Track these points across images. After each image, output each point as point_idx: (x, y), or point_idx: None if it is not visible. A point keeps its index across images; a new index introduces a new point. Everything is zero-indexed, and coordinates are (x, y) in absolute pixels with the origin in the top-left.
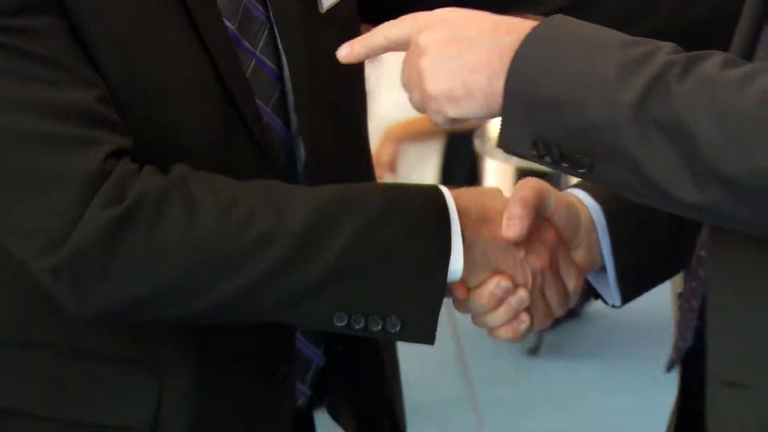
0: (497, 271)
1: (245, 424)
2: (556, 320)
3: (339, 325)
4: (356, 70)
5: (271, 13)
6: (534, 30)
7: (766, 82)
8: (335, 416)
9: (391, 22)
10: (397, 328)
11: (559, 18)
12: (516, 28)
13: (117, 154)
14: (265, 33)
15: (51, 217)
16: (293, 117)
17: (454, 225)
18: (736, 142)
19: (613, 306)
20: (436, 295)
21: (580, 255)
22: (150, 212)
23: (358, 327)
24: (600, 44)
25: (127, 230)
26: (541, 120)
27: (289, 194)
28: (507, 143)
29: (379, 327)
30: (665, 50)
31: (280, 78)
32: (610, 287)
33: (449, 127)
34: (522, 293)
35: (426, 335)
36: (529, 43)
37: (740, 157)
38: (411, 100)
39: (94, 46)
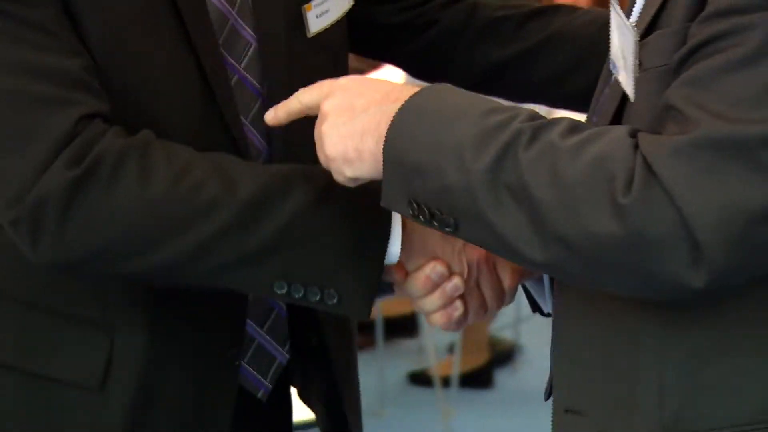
0: (435, 258)
1: (191, 395)
2: None
3: (279, 293)
4: None
5: (257, 34)
6: (411, 98)
7: (597, 148)
8: (305, 400)
9: (305, 88)
10: (334, 301)
11: (437, 87)
12: (403, 95)
13: (90, 116)
14: (251, 51)
15: (21, 170)
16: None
17: (395, 214)
18: (568, 207)
19: (547, 315)
20: (373, 272)
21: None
22: (107, 172)
23: (297, 296)
24: (463, 113)
25: (84, 186)
26: (412, 183)
27: (242, 167)
28: (388, 202)
29: (318, 298)
30: (520, 118)
31: (261, 94)
32: (545, 296)
33: (352, 185)
34: (456, 280)
35: (361, 310)
36: (403, 111)
37: (572, 220)
38: (320, 160)
39: (85, 24)
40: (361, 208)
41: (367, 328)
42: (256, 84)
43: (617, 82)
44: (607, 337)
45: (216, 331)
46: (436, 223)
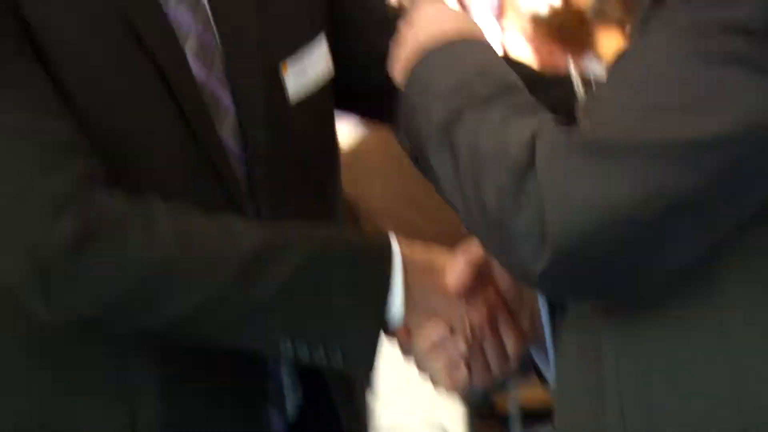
0: (436, 316)
1: None
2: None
3: (286, 352)
4: (326, 148)
5: (236, 99)
6: (446, 44)
7: (511, 131)
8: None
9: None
10: (338, 359)
11: (474, 42)
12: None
13: (87, 177)
14: (230, 116)
15: (24, 233)
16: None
17: (396, 268)
18: (474, 173)
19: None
20: (374, 330)
21: (524, 323)
22: (111, 231)
23: (303, 356)
24: (464, 66)
25: (89, 246)
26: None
27: (244, 224)
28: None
29: (323, 357)
30: (490, 83)
31: (243, 158)
32: (549, 363)
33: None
34: (460, 342)
35: (366, 368)
36: (423, 59)
37: (475, 188)
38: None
39: (66, 82)
40: (361, 266)
41: (504, 419)
42: (237, 150)
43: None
44: (587, 355)
45: (241, 386)
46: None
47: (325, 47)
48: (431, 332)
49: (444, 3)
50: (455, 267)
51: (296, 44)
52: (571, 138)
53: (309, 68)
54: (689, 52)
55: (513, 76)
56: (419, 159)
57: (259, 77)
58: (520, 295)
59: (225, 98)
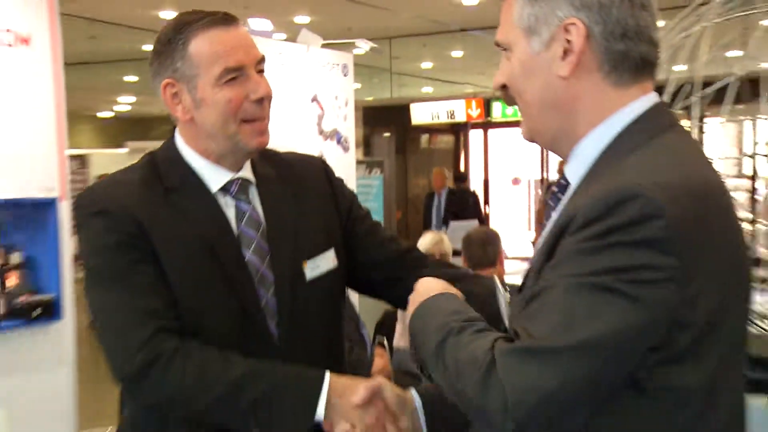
0: (347, 420)
1: None
2: None
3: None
4: (331, 310)
5: (276, 279)
6: (428, 299)
7: (476, 346)
8: None
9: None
10: None
11: (442, 296)
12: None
13: (162, 330)
14: (271, 291)
15: (124, 353)
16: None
17: (323, 392)
18: (458, 377)
19: None
20: (305, 426)
21: (405, 421)
22: (167, 359)
23: None
24: (440, 312)
25: (154, 366)
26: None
27: (244, 363)
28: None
29: None
30: (459, 320)
31: (275, 318)
32: None
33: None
34: None
35: None
36: (421, 306)
37: (458, 385)
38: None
39: (169, 275)
40: (302, 394)
41: None
42: (274, 312)
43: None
44: None
45: None
46: (423, 372)
47: (332, 252)
48: (342, 428)
49: (435, 280)
50: (360, 391)
51: (313, 252)
52: (515, 346)
53: (321, 264)
54: (573, 285)
55: (473, 313)
56: (423, 369)
57: (289, 269)
58: (402, 407)
59: (271, 278)
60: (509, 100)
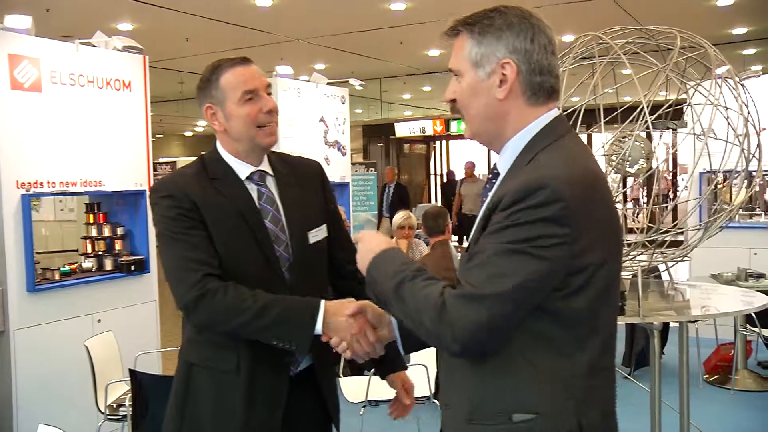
0: (337, 333)
1: (269, 376)
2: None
3: (275, 344)
4: (322, 265)
5: (290, 239)
6: (380, 252)
7: (429, 291)
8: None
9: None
10: (294, 347)
11: (389, 251)
12: (380, 248)
13: (207, 275)
14: (285, 245)
15: (183, 290)
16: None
17: (320, 312)
18: (415, 311)
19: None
20: (308, 337)
21: (384, 331)
22: (211, 295)
23: (281, 345)
24: (392, 261)
25: (203, 299)
26: (373, 287)
27: (265, 296)
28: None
29: (288, 346)
30: (411, 270)
31: (288, 264)
32: (398, 346)
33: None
34: (344, 342)
35: (303, 351)
36: (376, 257)
37: (417, 317)
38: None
39: (212, 236)
40: (305, 313)
41: None
42: (288, 256)
43: None
44: (453, 364)
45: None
46: (382, 306)
47: (324, 226)
48: (336, 336)
49: (374, 233)
50: (350, 306)
51: (313, 225)
52: (459, 292)
53: (318, 234)
54: (499, 249)
55: (416, 265)
56: (384, 306)
57: (299, 234)
58: (380, 321)
59: (283, 238)
60: (456, 111)
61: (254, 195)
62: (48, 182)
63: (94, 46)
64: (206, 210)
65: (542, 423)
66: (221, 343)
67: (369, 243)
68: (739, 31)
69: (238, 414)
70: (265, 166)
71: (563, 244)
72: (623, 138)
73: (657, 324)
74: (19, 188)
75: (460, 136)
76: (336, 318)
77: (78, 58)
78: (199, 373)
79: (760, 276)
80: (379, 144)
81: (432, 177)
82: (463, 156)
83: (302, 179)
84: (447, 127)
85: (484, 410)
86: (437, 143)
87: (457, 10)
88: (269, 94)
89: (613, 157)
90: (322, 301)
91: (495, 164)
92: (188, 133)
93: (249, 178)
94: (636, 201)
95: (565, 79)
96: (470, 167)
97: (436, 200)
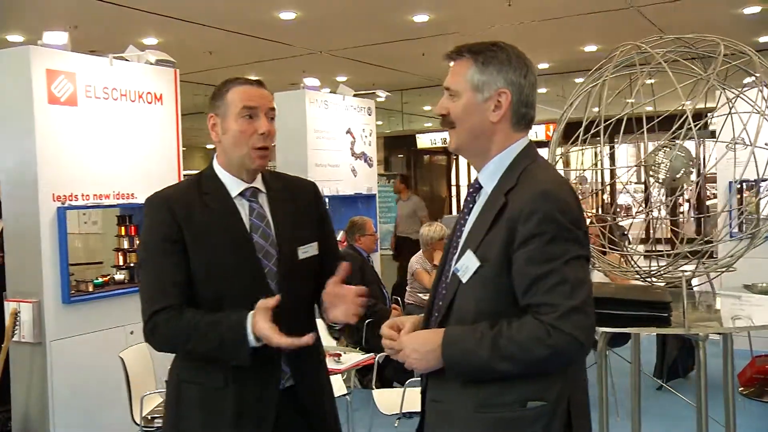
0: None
1: (257, 391)
2: None
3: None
4: (310, 280)
5: (278, 254)
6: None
7: (530, 326)
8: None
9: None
10: (240, 363)
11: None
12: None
13: (161, 309)
14: (274, 260)
15: (143, 320)
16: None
17: (248, 326)
18: (524, 351)
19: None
20: (246, 352)
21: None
22: (157, 327)
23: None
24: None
25: (153, 332)
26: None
27: (211, 317)
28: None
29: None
30: (490, 328)
31: (276, 279)
32: None
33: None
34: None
35: (246, 363)
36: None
37: (528, 355)
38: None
39: (195, 259)
40: (237, 334)
41: None
42: (276, 270)
43: (452, 282)
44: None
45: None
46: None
47: (315, 244)
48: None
49: (411, 336)
50: (267, 302)
51: (303, 243)
52: (561, 312)
53: (308, 250)
54: (560, 264)
55: (482, 323)
56: (479, 377)
57: (288, 251)
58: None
59: (273, 252)
60: (446, 125)
61: (245, 210)
62: (82, 195)
63: (127, 60)
64: (190, 224)
65: (548, 408)
66: (208, 360)
67: (417, 341)
68: (767, 38)
69: (227, 429)
70: (258, 183)
71: (586, 244)
72: (665, 148)
73: (702, 335)
74: (55, 201)
75: None
76: (261, 324)
77: (111, 72)
78: (188, 389)
79: None
80: (399, 155)
81: (453, 188)
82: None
83: (296, 196)
84: None
85: (496, 400)
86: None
87: (479, 22)
88: (272, 119)
89: (654, 167)
90: (249, 315)
91: (476, 178)
92: (210, 146)
93: (241, 194)
94: (674, 210)
95: (606, 89)
96: (401, 184)
97: (450, 212)
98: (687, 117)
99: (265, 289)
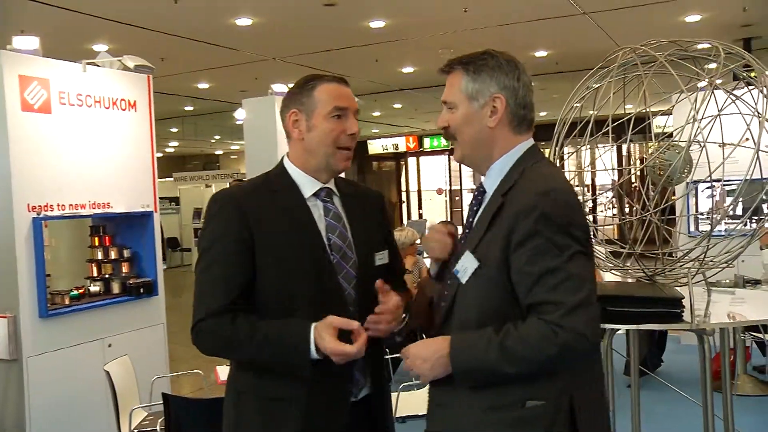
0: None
1: (324, 403)
2: None
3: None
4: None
5: (357, 257)
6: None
7: (535, 327)
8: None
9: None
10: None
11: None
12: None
13: (211, 315)
14: (353, 268)
15: (192, 322)
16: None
17: (311, 331)
18: (532, 350)
19: None
20: (307, 359)
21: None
22: (204, 335)
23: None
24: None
25: (198, 337)
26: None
27: (259, 324)
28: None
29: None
30: (496, 331)
31: (357, 278)
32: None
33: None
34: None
35: (305, 371)
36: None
37: (536, 354)
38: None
39: (266, 258)
40: (298, 344)
41: None
42: (354, 273)
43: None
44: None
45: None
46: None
47: (387, 253)
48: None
49: (415, 346)
50: (336, 322)
51: (379, 248)
52: (565, 309)
53: (383, 257)
54: (562, 261)
55: (488, 328)
56: (487, 381)
57: (365, 255)
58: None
59: (351, 255)
60: (449, 137)
61: (320, 211)
62: (58, 205)
63: (99, 65)
64: (261, 224)
65: (547, 407)
66: (266, 369)
67: (425, 350)
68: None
69: None
70: (332, 185)
71: (585, 241)
72: (666, 149)
73: (710, 330)
74: (30, 212)
75: (434, 152)
76: (328, 341)
77: (85, 79)
78: (247, 401)
79: (756, 282)
80: None
81: (404, 194)
82: (434, 172)
83: (365, 203)
84: (420, 144)
85: (498, 402)
86: (409, 159)
87: (435, 27)
88: (356, 118)
89: (653, 168)
90: (312, 327)
91: (481, 183)
92: (158, 154)
93: (315, 194)
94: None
95: (612, 91)
96: None
97: (409, 218)
98: (693, 117)
99: (340, 293)
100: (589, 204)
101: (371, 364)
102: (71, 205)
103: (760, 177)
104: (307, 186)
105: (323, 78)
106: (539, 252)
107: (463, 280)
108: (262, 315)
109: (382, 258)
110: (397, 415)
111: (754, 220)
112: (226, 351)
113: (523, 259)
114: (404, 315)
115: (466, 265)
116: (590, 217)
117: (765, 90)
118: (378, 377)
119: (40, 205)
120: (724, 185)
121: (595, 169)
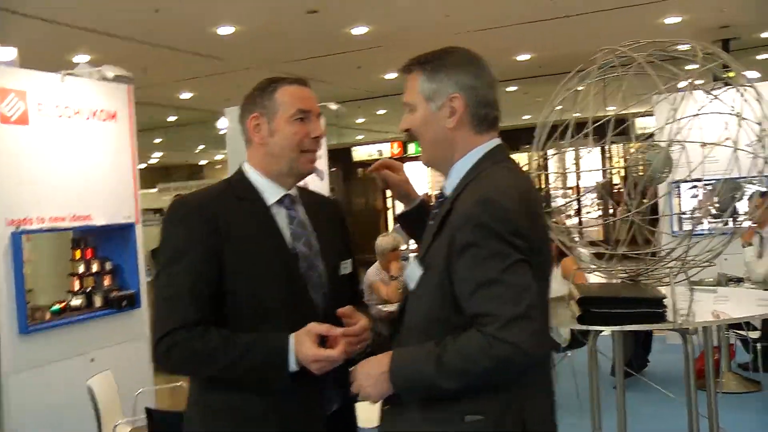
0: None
1: (302, 414)
2: None
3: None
4: (347, 292)
5: (327, 269)
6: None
7: (472, 339)
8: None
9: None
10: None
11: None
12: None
13: (181, 327)
14: (322, 278)
15: (156, 337)
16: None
17: (291, 342)
18: (468, 362)
19: None
20: (285, 373)
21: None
22: (180, 347)
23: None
24: (418, 358)
25: (173, 347)
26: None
27: (234, 338)
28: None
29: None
30: (435, 345)
31: (321, 294)
32: None
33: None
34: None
35: (284, 384)
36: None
37: (473, 366)
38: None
39: (234, 274)
40: (279, 352)
41: None
42: (322, 282)
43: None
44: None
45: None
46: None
47: (350, 262)
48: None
49: (362, 364)
50: (318, 329)
51: (343, 259)
52: (503, 323)
53: (347, 266)
54: (497, 272)
55: (428, 343)
56: (431, 393)
57: (333, 263)
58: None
59: (318, 264)
60: (412, 139)
61: (284, 220)
62: (38, 218)
63: (77, 76)
64: (230, 234)
65: (487, 422)
66: (237, 384)
67: (369, 367)
68: (683, 47)
69: None
70: (294, 192)
71: (526, 249)
72: (646, 149)
73: (692, 329)
74: (8, 225)
75: (418, 158)
76: (308, 347)
77: (63, 90)
78: (219, 419)
79: (740, 280)
80: (332, 169)
81: (389, 200)
82: (419, 178)
83: (327, 212)
84: (405, 149)
85: (438, 415)
86: None
87: (418, 33)
88: (319, 120)
89: (634, 169)
90: (291, 337)
91: (443, 186)
92: (141, 165)
93: (279, 201)
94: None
95: (592, 93)
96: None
97: (395, 223)
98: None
99: (308, 303)
100: (574, 206)
101: (340, 378)
102: (51, 218)
103: (738, 176)
104: (271, 193)
105: (284, 80)
106: (477, 262)
107: (411, 287)
108: (232, 324)
109: (346, 267)
110: (360, 426)
111: (733, 218)
112: (197, 365)
113: (462, 268)
114: (371, 334)
115: (413, 273)
116: (576, 220)
117: (742, 89)
118: (347, 391)
119: (18, 219)
120: (706, 185)
121: (579, 170)
